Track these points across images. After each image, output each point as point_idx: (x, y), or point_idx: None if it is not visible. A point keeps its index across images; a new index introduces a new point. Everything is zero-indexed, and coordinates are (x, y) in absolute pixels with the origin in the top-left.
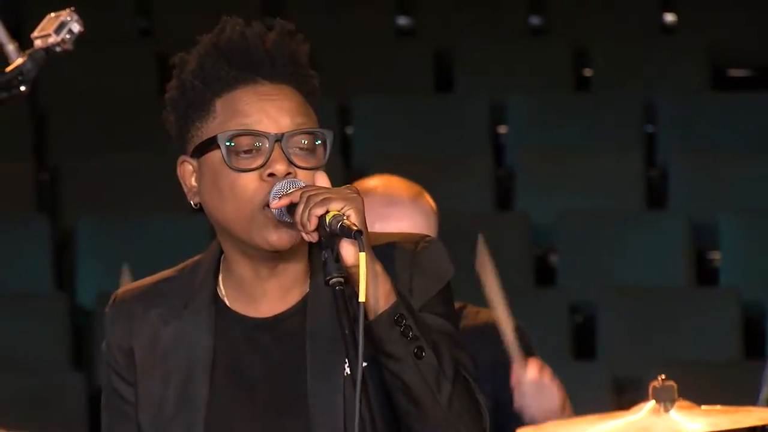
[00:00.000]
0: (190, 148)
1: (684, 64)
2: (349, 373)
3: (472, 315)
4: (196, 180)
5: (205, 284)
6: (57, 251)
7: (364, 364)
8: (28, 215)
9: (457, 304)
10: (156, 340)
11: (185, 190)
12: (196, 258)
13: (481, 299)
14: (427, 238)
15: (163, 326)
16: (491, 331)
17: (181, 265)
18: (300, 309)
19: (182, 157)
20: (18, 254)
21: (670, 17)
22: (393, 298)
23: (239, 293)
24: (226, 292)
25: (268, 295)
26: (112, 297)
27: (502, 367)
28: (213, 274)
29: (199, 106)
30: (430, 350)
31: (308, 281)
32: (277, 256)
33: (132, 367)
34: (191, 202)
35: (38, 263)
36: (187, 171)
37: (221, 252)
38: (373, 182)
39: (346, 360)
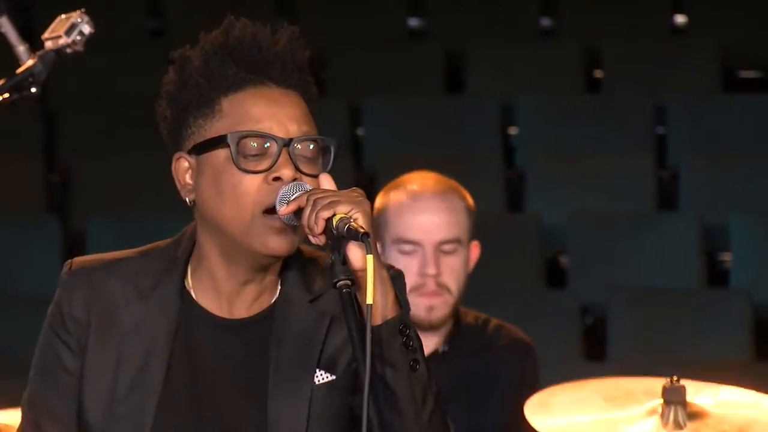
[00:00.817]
0: (188, 144)
1: (695, 65)
2: (320, 381)
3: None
4: (192, 177)
5: (174, 272)
6: (68, 252)
7: (332, 377)
8: (38, 216)
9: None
10: (115, 316)
11: (179, 186)
12: (161, 243)
13: (486, 302)
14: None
15: (126, 305)
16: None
17: (143, 248)
18: (267, 316)
19: (179, 153)
20: (29, 255)
21: (681, 18)
22: (399, 308)
23: (209, 290)
24: (194, 284)
25: (238, 298)
26: (70, 263)
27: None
28: (184, 263)
29: (203, 103)
30: (423, 364)
31: (278, 289)
32: (261, 263)
33: (83, 337)
34: (185, 199)
35: (49, 264)
36: (182, 168)
37: (194, 241)
38: (406, 176)
39: (317, 369)
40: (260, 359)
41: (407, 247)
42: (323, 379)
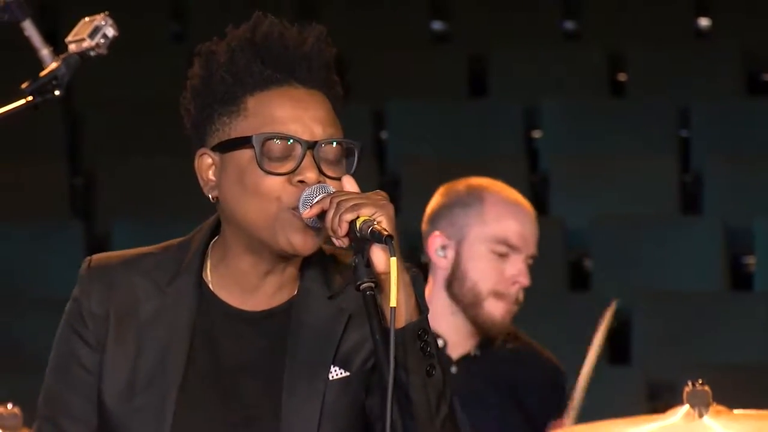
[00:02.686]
0: (212, 141)
1: (718, 68)
2: (334, 377)
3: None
4: (215, 174)
5: (191, 265)
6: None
7: (346, 373)
8: (62, 220)
9: None
10: (135, 311)
11: (201, 182)
12: (182, 238)
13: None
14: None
15: (145, 300)
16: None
17: (165, 243)
18: (285, 309)
19: (202, 150)
20: (53, 259)
21: (704, 21)
22: (420, 312)
23: (229, 283)
24: (213, 277)
25: (259, 291)
26: (89, 259)
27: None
28: (201, 256)
29: (228, 101)
30: (439, 371)
31: (297, 284)
32: (282, 258)
33: (102, 333)
34: (208, 195)
35: (73, 268)
36: (206, 164)
37: (212, 234)
38: (483, 180)
39: (332, 365)
40: (278, 352)
41: (503, 249)
42: (337, 375)
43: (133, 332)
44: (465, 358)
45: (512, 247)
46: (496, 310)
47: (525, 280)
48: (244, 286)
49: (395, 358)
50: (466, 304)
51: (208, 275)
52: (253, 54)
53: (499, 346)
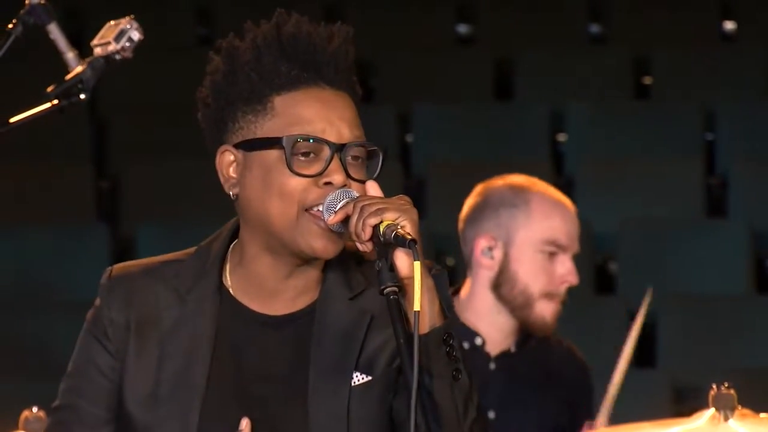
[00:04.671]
0: (235, 138)
1: (744, 71)
2: (357, 383)
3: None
4: (236, 171)
5: (211, 271)
6: (117, 259)
7: (369, 378)
8: (88, 223)
9: None
10: (156, 319)
11: (222, 179)
12: (202, 243)
13: None
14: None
15: (166, 308)
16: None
17: (185, 250)
18: (308, 313)
19: (224, 147)
20: (78, 262)
21: (730, 25)
22: (444, 317)
23: (250, 287)
24: (233, 282)
25: (281, 294)
26: (110, 269)
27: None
28: (220, 261)
29: (254, 99)
30: (466, 374)
31: (319, 288)
32: (303, 259)
33: (123, 342)
34: (229, 192)
35: (98, 271)
36: (227, 161)
37: (231, 239)
38: (524, 178)
39: (355, 371)
40: (301, 358)
41: (552, 249)
42: (360, 380)
43: (154, 341)
44: (504, 355)
45: (560, 247)
46: (546, 310)
47: (574, 279)
48: (265, 290)
49: (420, 363)
50: (516, 305)
51: (228, 280)
52: (279, 52)
53: (535, 343)
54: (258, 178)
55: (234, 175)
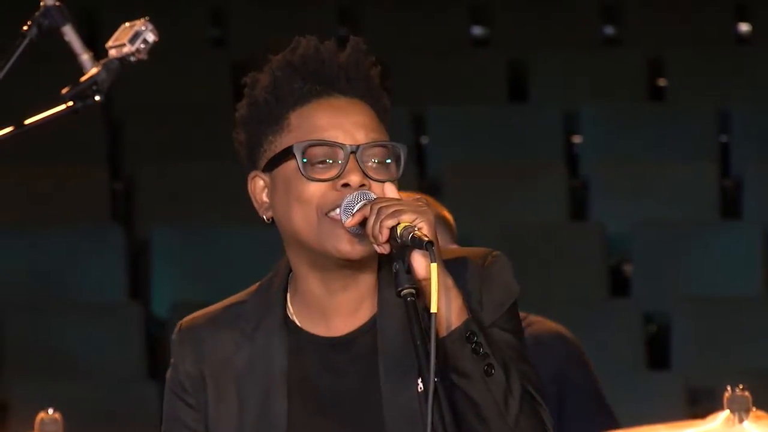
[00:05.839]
0: (262, 163)
1: (758, 73)
2: (421, 386)
3: (532, 324)
4: (268, 195)
5: (275, 305)
6: (132, 261)
7: (435, 380)
8: (103, 225)
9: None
10: (229, 364)
11: (256, 206)
12: (263, 280)
13: (549, 309)
14: (495, 253)
15: (236, 350)
16: (551, 341)
17: (248, 290)
18: (371, 326)
19: (254, 173)
20: (93, 264)
21: (744, 26)
22: (465, 315)
23: (310, 311)
24: (295, 311)
25: (339, 311)
26: (179, 324)
27: (562, 377)
28: (282, 294)
29: (273, 120)
30: (499, 368)
31: (377, 296)
32: (348, 268)
33: (201, 392)
34: (263, 218)
35: (113, 273)
36: (258, 186)
37: (289, 271)
38: None
39: (419, 375)
40: (371, 371)
41: None
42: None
43: (232, 385)
44: None
45: None
46: None
47: None
48: (322, 310)
49: (452, 366)
50: None
51: (291, 309)
52: (292, 73)
53: None
54: (282, 193)
55: (266, 200)
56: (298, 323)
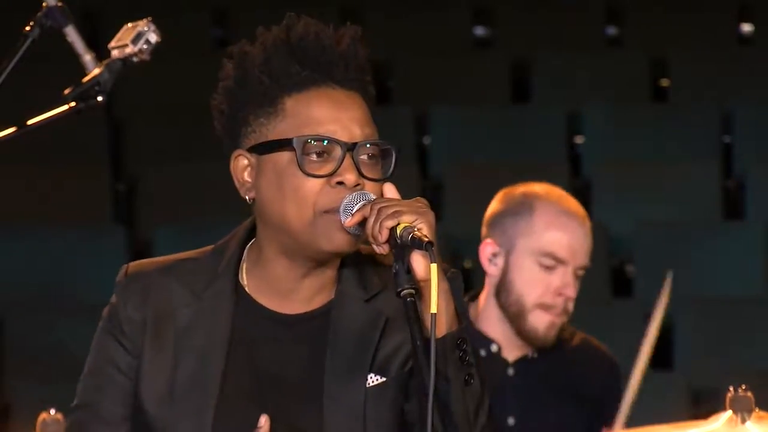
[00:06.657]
0: (248, 142)
1: (761, 73)
2: (372, 384)
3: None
4: (251, 175)
5: (228, 270)
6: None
7: (383, 379)
8: (105, 226)
9: None
10: (172, 316)
11: (237, 184)
12: (218, 243)
13: None
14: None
15: (182, 305)
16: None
17: (200, 249)
18: (324, 313)
19: (238, 151)
20: (95, 265)
21: (747, 27)
22: (458, 321)
23: (266, 287)
24: (249, 281)
25: (296, 294)
26: (126, 266)
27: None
28: (236, 260)
29: (266, 101)
30: (477, 379)
31: (335, 288)
32: (321, 258)
33: (139, 339)
34: (245, 197)
35: (115, 274)
36: (241, 165)
37: (248, 239)
38: (541, 186)
39: (369, 373)
40: (316, 357)
41: (549, 263)
42: (375, 381)
43: (170, 339)
44: (522, 360)
45: (558, 260)
46: (540, 322)
47: (571, 292)
48: (281, 290)
49: (438, 369)
50: (511, 314)
51: (245, 279)
52: (289, 54)
53: (557, 347)
54: (272, 181)
55: (249, 180)
56: (249, 292)
